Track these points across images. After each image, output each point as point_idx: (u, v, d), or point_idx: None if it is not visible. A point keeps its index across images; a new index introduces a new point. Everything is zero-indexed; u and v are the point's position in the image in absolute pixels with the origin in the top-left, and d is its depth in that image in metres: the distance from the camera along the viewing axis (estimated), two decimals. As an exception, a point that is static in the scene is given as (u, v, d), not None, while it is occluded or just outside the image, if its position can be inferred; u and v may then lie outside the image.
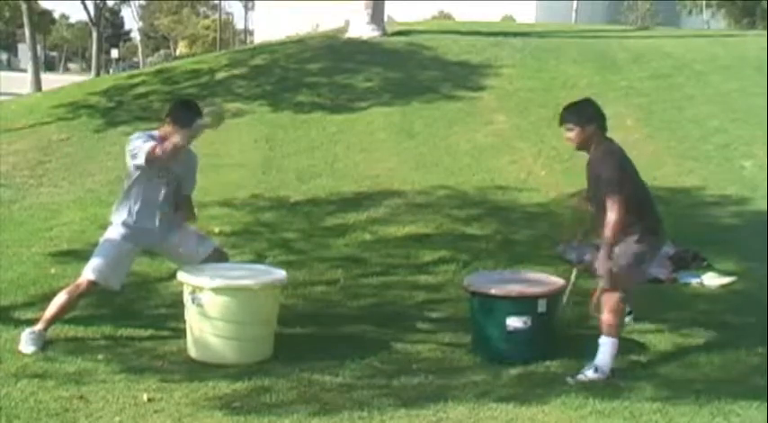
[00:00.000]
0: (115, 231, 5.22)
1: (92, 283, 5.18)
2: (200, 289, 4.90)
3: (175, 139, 5.02)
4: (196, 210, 5.56)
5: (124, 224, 5.20)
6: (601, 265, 4.89)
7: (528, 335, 5.01)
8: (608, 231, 4.85)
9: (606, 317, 4.85)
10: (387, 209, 8.07)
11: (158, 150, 5.01)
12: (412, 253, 7.07)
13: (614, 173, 4.94)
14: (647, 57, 13.42)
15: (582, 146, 5.09)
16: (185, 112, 5.25)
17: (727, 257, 6.95)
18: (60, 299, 5.16)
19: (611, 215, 4.84)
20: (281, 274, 5.22)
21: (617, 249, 4.92)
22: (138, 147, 5.08)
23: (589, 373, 4.73)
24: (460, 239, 7.37)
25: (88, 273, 5.17)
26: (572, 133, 5.05)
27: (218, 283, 4.90)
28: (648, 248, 5.08)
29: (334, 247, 7.20)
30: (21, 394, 4.38)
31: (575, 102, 5.26)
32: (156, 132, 5.27)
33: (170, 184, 5.25)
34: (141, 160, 5.05)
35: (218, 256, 5.41)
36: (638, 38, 15.92)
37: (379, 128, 10.50)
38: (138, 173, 5.14)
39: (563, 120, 5.12)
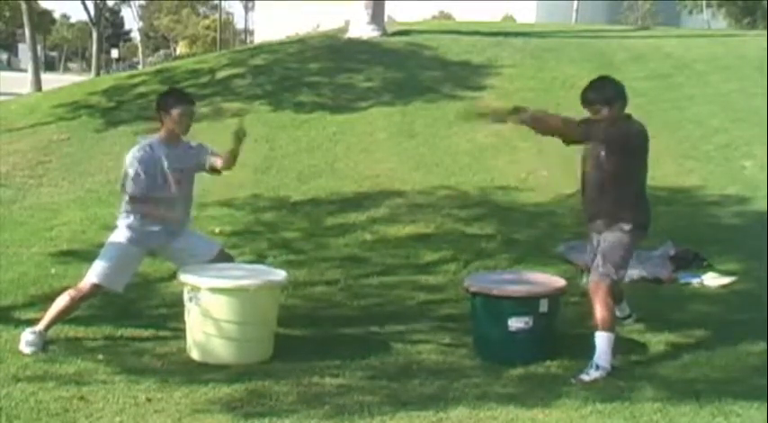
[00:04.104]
0: (120, 234, 5.21)
1: (95, 287, 5.17)
2: (199, 289, 4.90)
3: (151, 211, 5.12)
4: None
5: (129, 227, 5.18)
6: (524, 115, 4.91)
7: (529, 335, 5.00)
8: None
9: (597, 312, 4.86)
10: (387, 209, 8.07)
11: (137, 222, 5.12)
12: (412, 253, 7.07)
13: (640, 157, 5.01)
14: (648, 57, 13.41)
15: (609, 125, 4.98)
16: (164, 99, 5.32)
17: (728, 257, 6.94)
18: (62, 300, 5.14)
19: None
20: (280, 274, 5.22)
21: (608, 234, 4.94)
22: (129, 171, 5.09)
23: (591, 373, 4.73)
24: (461, 239, 7.37)
25: (92, 276, 5.15)
26: (600, 115, 4.96)
27: (217, 283, 4.90)
28: (638, 240, 5.09)
29: (334, 247, 7.20)
30: (21, 394, 4.38)
31: (595, 81, 5.16)
32: (155, 138, 5.27)
33: (183, 180, 5.24)
34: (127, 191, 5.12)
35: (224, 258, 5.41)
36: (638, 38, 15.91)
37: (380, 128, 10.50)
38: None
39: (590, 101, 5.00)
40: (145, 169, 5.07)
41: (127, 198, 5.16)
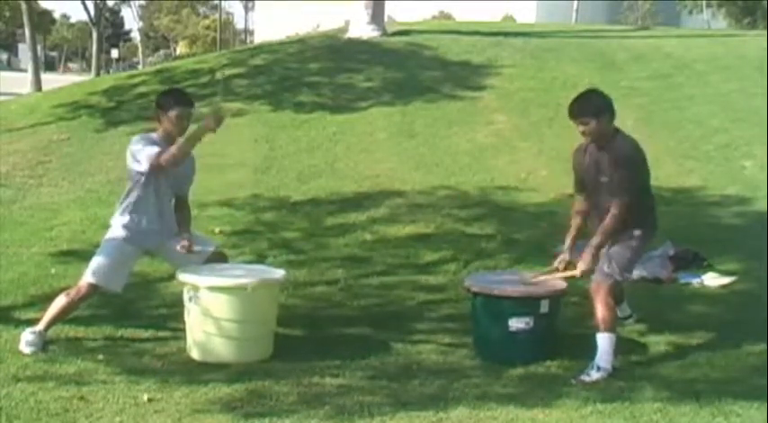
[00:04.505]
0: (116, 234, 5.19)
1: (93, 287, 5.15)
2: (198, 288, 4.91)
3: (174, 149, 5.01)
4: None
5: (125, 227, 5.17)
6: (586, 257, 4.91)
7: (530, 335, 5.00)
8: (609, 225, 4.88)
9: (599, 312, 4.86)
10: (387, 209, 8.07)
11: (163, 159, 4.98)
12: (412, 253, 7.07)
13: (644, 174, 4.98)
14: (648, 57, 13.42)
15: (598, 138, 4.99)
16: (164, 99, 5.29)
17: (728, 257, 6.94)
18: (61, 301, 5.13)
19: (618, 212, 4.85)
20: (278, 273, 5.23)
21: (617, 238, 4.93)
22: (139, 151, 5.05)
23: (592, 373, 4.73)
24: (461, 239, 7.37)
25: (89, 276, 5.13)
26: (587, 127, 4.95)
27: (215, 281, 4.91)
28: (646, 244, 5.10)
29: (334, 248, 7.20)
30: (21, 394, 4.37)
31: (582, 94, 5.16)
32: (154, 135, 5.25)
33: (173, 185, 5.24)
34: (144, 167, 5.02)
35: (219, 258, 5.40)
36: (638, 38, 15.92)
37: (380, 128, 10.50)
38: (139, 177, 5.13)
39: (576, 114, 4.99)
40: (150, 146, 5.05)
41: (145, 172, 5.07)
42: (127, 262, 5.26)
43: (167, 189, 5.22)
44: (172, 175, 5.18)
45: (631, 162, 4.95)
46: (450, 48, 13.54)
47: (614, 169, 4.90)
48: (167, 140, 5.19)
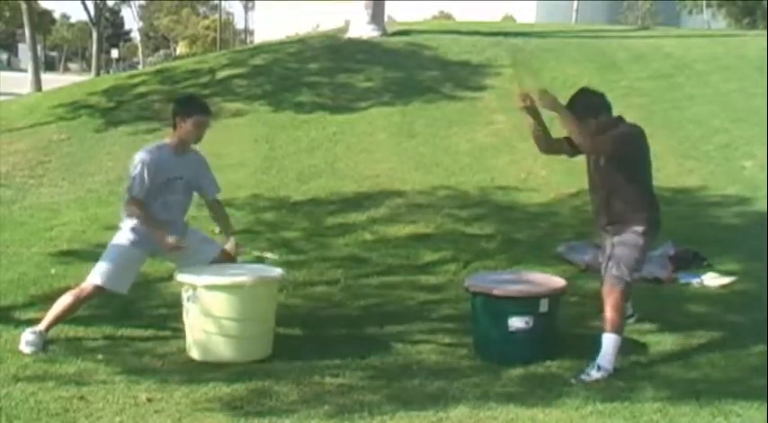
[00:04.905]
0: (124, 236, 5.20)
1: (98, 288, 5.15)
2: (196, 287, 4.91)
3: (161, 237, 5.08)
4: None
5: (133, 229, 5.17)
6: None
7: (530, 335, 5.00)
8: (574, 122, 4.89)
9: (608, 313, 4.86)
10: (387, 209, 8.07)
11: (135, 211, 5.10)
12: (412, 253, 7.07)
13: (638, 155, 4.98)
14: (648, 57, 13.41)
15: (603, 133, 4.98)
16: (184, 106, 5.31)
17: (728, 257, 6.94)
18: (64, 301, 5.13)
19: (587, 135, 4.88)
20: (276, 271, 5.23)
21: (622, 237, 4.92)
22: (133, 178, 5.08)
23: (593, 373, 4.73)
24: (461, 239, 7.37)
25: (95, 277, 5.14)
26: (590, 128, 4.95)
27: (213, 280, 4.91)
28: (651, 242, 5.10)
29: (334, 247, 7.20)
30: (21, 394, 4.38)
31: (576, 95, 5.14)
32: (167, 140, 5.27)
33: (182, 190, 5.25)
34: (129, 195, 5.12)
35: (226, 258, 5.40)
36: (638, 38, 15.91)
37: (380, 128, 10.50)
38: None
39: (576, 115, 4.98)
40: (150, 172, 5.06)
41: (127, 200, 5.16)
42: (134, 265, 5.28)
43: (176, 194, 5.22)
44: (181, 180, 5.20)
45: (621, 133, 4.96)
46: (450, 48, 13.54)
47: (615, 154, 4.92)
48: (179, 147, 5.23)
